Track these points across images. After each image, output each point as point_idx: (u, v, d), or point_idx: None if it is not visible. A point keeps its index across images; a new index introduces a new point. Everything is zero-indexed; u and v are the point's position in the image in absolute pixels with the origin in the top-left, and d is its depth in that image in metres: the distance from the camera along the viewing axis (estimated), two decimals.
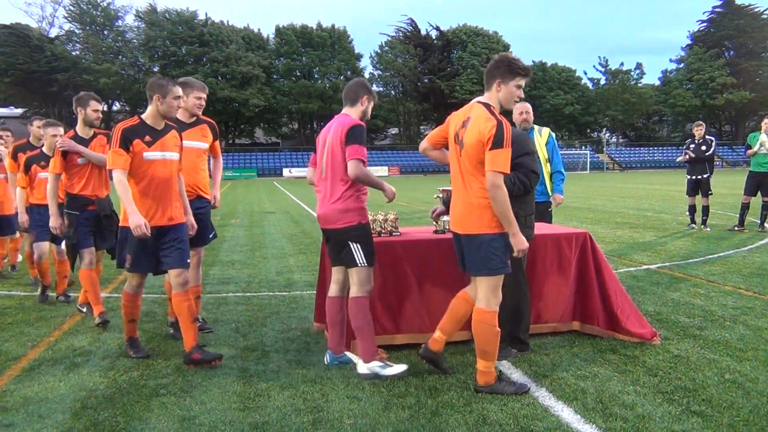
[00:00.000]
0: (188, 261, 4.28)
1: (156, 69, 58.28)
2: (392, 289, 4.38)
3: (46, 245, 6.14)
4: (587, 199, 19.69)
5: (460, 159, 3.53)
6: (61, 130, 5.83)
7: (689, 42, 71.17)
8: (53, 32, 60.83)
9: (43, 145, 6.23)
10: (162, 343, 4.67)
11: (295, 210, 17.81)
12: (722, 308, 5.36)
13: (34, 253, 6.31)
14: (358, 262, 3.87)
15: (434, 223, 4.83)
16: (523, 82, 3.53)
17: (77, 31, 60.23)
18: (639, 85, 71.60)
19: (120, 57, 59.01)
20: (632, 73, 71.74)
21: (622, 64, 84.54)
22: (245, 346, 4.54)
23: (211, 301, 6.00)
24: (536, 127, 5.89)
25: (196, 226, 4.56)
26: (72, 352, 4.48)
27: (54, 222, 5.13)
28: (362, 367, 3.86)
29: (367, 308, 3.90)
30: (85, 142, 5.20)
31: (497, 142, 3.31)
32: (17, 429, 3.19)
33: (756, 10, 66.56)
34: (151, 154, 4.10)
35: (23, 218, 6.15)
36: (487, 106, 3.49)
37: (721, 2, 68.23)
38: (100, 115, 5.32)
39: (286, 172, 55.80)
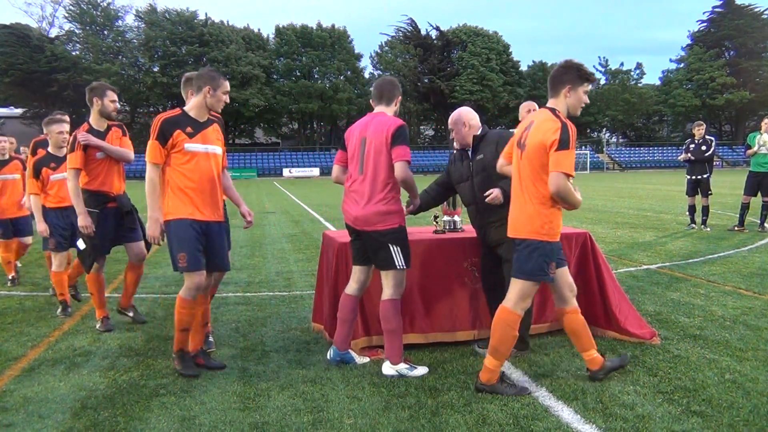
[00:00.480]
0: (229, 263, 4.23)
1: (156, 69, 58.28)
2: None
3: (66, 255, 5.69)
4: (587, 199, 19.67)
5: (520, 162, 3.53)
6: (67, 126, 5.60)
7: (689, 42, 71.12)
8: (53, 32, 60.82)
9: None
10: (162, 343, 4.67)
11: (295, 210, 17.80)
12: (722, 308, 5.36)
13: (53, 262, 5.74)
14: (397, 264, 3.83)
15: (434, 222, 4.83)
16: (589, 88, 3.57)
17: (77, 31, 60.17)
18: (639, 85, 71.58)
19: (120, 57, 58.98)
20: (632, 73, 71.73)
21: (622, 64, 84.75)
22: (245, 346, 4.54)
23: (211, 301, 5.99)
24: None
25: (252, 212, 4.28)
26: (72, 352, 4.48)
27: (84, 221, 4.78)
28: (388, 369, 3.86)
29: (399, 310, 3.91)
30: (100, 135, 4.94)
31: (563, 144, 3.31)
32: (17, 429, 3.19)
33: (756, 10, 66.48)
34: (192, 146, 3.87)
35: (42, 227, 5.65)
36: (552, 110, 3.49)
37: (721, 2, 68.14)
38: (117, 106, 5.09)
39: (286, 172, 55.77)
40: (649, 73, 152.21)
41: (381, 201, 3.81)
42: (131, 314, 5.28)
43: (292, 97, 62.14)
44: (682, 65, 70.37)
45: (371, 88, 4.20)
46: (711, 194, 10.88)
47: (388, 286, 3.89)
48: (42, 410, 3.41)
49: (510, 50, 67.97)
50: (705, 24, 70.37)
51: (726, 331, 4.68)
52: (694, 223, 11.08)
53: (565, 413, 3.25)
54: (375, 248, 3.88)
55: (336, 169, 4.16)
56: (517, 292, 3.53)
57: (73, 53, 58.17)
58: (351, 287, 4.08)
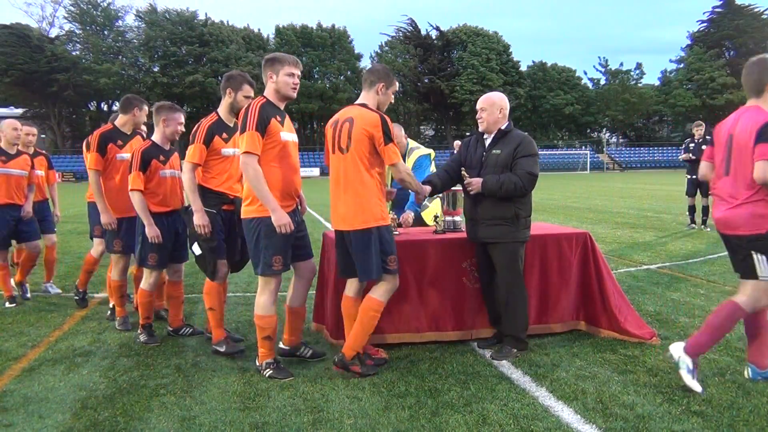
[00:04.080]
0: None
1: (156, 69, 58.31)
2: None
3: (162, 272, 4.86)
4: (587, 199, 19.69)
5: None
6: (183, 117, 4.84)
7: (689, 42, 71.15)
8: (53, 32, 60.84)
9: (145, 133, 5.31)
10: (162, 343, 4.67)
11: None
12: None
13: (144, 279, 4.84)
14: (759, 274, 3.44)
15: (434, 222, 4.83)
16: None
17: (77, 31, 60.21)
18: (639, 85, 71.58)
19: (120, 57, 58.98)
20: (632, 73, 71.71)
21: (622, 64, 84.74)
22: (245, 346, 4.53)
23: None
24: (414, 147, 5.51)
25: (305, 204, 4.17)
26: (72, 352, 4.48)
27: (201, 219, 4.19)
28: (676, 349, 3.62)
29: (734, 319, 3.53)
30: (228, 131, 4.37)
31: None
32: (17, 429, 3.19)
33: (756, 10, 66.49)
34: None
35: (154, 232, 4.57)
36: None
37: (721, 2, 68.14)
38: (246, 103, 4.34)
39: None
40: (649, 73, 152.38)
41: (746, 203, 3.44)
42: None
43: None
44: (682, 65, 70.36)
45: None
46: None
47: (745, 294, 3.51)
48: (42, 410, 3.42)
49: (510, 50, 67.96)
50: (705, 24, 70.38)
51: None
52: (694, 223, 11.09)
53: (565, 413, 3.25)
54: (736, 253, 3.60)
55: (704, 166, 3.81)
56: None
57: (73, 53, 58.20)
58: (740, 299, 3.60)
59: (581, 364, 3.99)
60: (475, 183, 4.04)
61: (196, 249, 4.32)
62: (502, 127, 4.15)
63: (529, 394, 3.52)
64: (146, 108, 5.23)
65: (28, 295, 6.40)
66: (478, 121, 4.23)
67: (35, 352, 4.50)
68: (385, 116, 3.74)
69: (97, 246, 5.78)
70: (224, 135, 4.33)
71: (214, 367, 4.11)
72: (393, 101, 3.95)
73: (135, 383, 3.81)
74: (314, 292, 4.83)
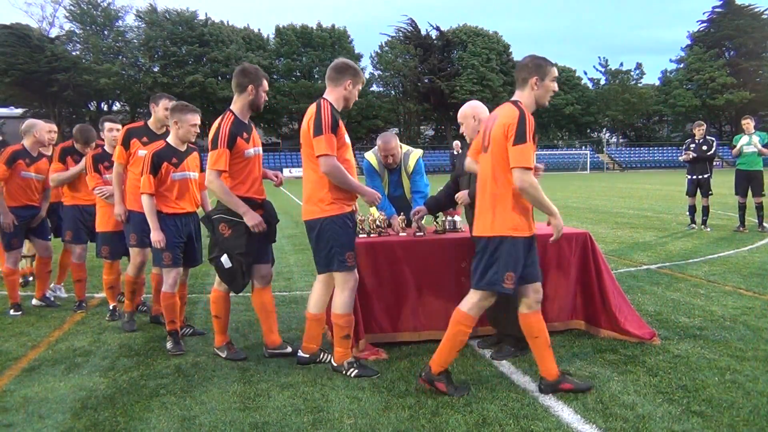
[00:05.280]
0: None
1: (156, 69, 58.30)
2: (390, 289, 4.39)
3: (180, 271, 4.70)
4: (587, 199, 19.68)
5: None
6: (197, 118, 4.55)
7: (689, 42, 71.12)
8: (53, 32, 60.74)
9: (160, 135, 5.01)
10: (162, 343, 4.67)
11: (295, 210, 17.79)
12: (722, 308, 5.36)
13: (164, 280, 4.61)
14: None
15: (434, 222, 4.83)
16: None
17: (77, 31, 60.14)
18: (639, 85, 71.53)
19: (120, 57, 58.94)
20: (632, 73, 71.64)
21: (621, 64, 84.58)
22: (245, 346, 4.54)
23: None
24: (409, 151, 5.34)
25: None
26: (72, 352, 4.48)
27: (253, 219, 3.97)
28: None
29: None
30: (246, 129, 4.11)
31: None
32: (17, 429, 3.20)
33: (756, 10, 66.40)
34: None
35: (158, 236, 4.41)
36: None
37: (721, 2, 68.05)
38: (265, 97, 4.22)
39: (286, 172, 55.62)
40: (649, 73, 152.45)
41: None
42: (288, 349, 4.35)
43: (292, 97, 62.13)
44: (682, 65, 70.33)
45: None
46: (711, 194, 10.88)
47: None
48: (42, 410, 3.42)
49: (510, 50, 67.95)
50: (705, 24, 70.30)
51: (726, 331, 4.68)
52: (695, 223, 11.08)
53: (565, 413, 3.25)
54: None
55: None
56: None
57: (73, 53, 58.14)
58: None
59: (581, 364, 3.99)
60: (461, 196, 4.28)
61: (226, 261, 4.05)
62: None
63: (529, 394, 3.52)
64: (164, 102, 5.08)
65: (59, 294, 6.42)
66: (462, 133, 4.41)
67: (35, 352, 4.50)
68: (527, 113, 3.32)
69: (74, 251, 5.89)
70: (244, 135, 4.06)
71: (214, 367, 4.11)
72: (556, 89, 3.51)
73: (135, 383, 3.81)
74: None
